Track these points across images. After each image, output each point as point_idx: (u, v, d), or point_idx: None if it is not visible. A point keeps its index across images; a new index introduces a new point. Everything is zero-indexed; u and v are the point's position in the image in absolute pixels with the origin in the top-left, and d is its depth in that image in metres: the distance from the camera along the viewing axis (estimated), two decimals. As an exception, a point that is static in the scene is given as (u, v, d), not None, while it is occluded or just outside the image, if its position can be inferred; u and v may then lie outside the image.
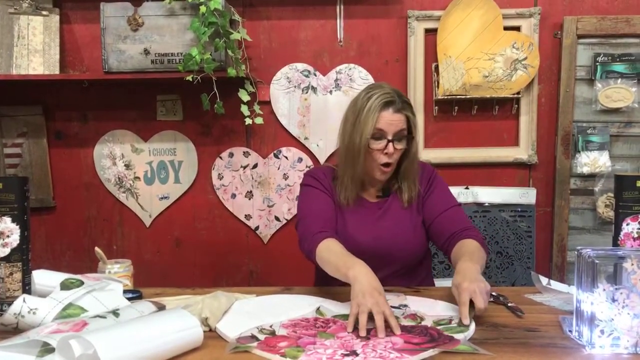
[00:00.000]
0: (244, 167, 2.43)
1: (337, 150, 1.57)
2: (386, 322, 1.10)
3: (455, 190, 2.29)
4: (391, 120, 1.44)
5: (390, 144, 1.44)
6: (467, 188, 2.32)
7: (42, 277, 1.32)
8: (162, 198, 2.45)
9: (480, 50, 2.27)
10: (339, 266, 1.27)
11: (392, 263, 1.51)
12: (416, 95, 2.33)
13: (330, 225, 1.48)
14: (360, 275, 1.20)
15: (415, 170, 1.54)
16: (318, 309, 1.26)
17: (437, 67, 2.31)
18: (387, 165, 1.47)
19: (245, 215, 2.44)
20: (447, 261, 2.24)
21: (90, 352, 0.89)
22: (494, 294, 1.38)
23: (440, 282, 1.75)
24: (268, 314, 1.22)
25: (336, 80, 2.37)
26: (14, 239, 1.22)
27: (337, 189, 1.54)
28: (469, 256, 1.32)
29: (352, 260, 1.27)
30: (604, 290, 1.00)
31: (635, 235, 1.23)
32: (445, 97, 2.30)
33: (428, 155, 2.34)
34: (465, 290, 1.16)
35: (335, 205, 1.54)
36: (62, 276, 1.26)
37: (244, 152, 2.42)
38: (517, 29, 2.29)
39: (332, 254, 1.34)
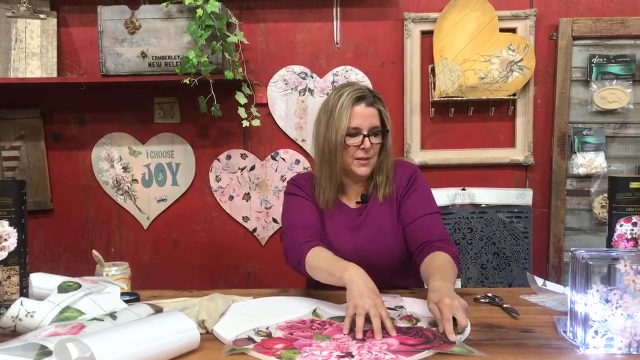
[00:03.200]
0: (242, 169, 2.43)
1: (312, 153, 1.55)
2: (382, 323, 1.11)
3: (452, 192, 2.30)
4: (364, 114, 1.44)
5: (367, 139, 1.44)
6: (463, 189, 2.33)
7: (40, 280, 1.32)
8: (159, 200, 2.46)
9: (476, 52, 2.28)
10: (332, 271, 1.27)
11: (375, 270, 1.37)
12: (412, 97, 2.34)
13: (316, 234, 1.46)
14: (355, 276, 1.20)
15: (390, 165, 1.53)
16: (314, 310, 1.27)
17: (433, 69, 2.31)
18: (364, 159, 1.46)
19: (243, 217, 2.45)
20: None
21: (87, 355, 0.89)
22: (489, 295, 1.39)
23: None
24: (265, 316, 1.23)
25: (333, 82, 2.37)
26: (12, 243, 1.23)
27: (316, 194, 1.53)
28: (441, 274, 1.26)
29: (345, 263, 1.27)
30: (598, 291, 1.01)
31: (629, 237, 1.24)
32: (442, 98, 2.30)
33: (425, 156, 2.35)
34: (447, 307, 1.10)
35: (318, 212, 1.53)
36: (59, 279, 1.26)
37: (241, 154, 2.43)
38: (513, 30, 2.30)
39: (322, 261, 1.33)
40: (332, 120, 1.44)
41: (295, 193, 1.55)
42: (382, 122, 1.49)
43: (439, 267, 1.31)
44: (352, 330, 1.11)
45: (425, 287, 1.33)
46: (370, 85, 2.33)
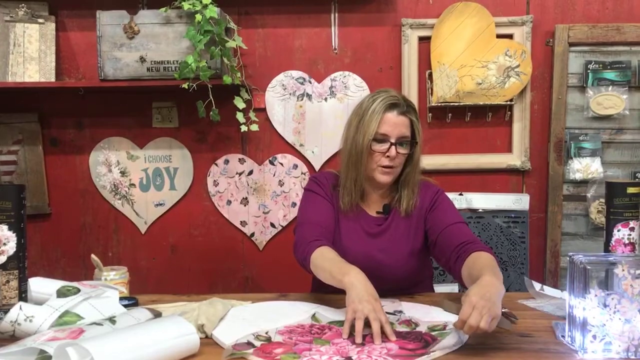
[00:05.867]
0: (240, 174, 2.44)
1: (340, 153, 1.55)
2: (381, 328, 1.11)
3: (449, 197, 2.31)
4: (395, 122, 1.44)
5: (393, 147, 1.43)
6: (461, 194, 2.33)
7: (39, 285, 1.32)
8: (157, 205, 2.45)
9: (474, 58, 2.29)
10: (334, 272, 1.27)
11: (382, 281, 1.34)
12: (410, 102, 2.34)
13: (327, 234, 1.46)
14: (356, 281, 1.21)
15: (416, 178, 1.53)
16: (314, 315, 1.27)
17: (430, 75, 2.33)
18: (388, 167, 1.45)
19: (241, 221, 2.45)
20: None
21: (87, 360, 0.89)
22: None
23: (436, 288, 1.76)
24: (264, 321, 1.23)
25: (331, 87, 2.38)
26: (11, 247, 1.23)
27: (339, 195, 1.52)
28: (492, 271, 1.19)
29: (347, 266, 1.27)
30: (596, 295, 1.02)
31: (626, 241, 1.25)
32: (439, 104, 2.32)
33: (422, 161, 2.34)
34: (468, 303, 1.05)
35: (334, 213, 1.53)
36: (58, 283, 1.26)
37: (239, 159, 2.43)
38: (510, 36, 2.32)
39: (326, 261, 1.33)
40: (362, 123, 1.44)
41: (314, 190, 1.55)
42: (413, 133, 1.49)
43: (487, 265, 1.25)
44: (351, 334, 1.11)
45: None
46: (367, 91, 2.34)
